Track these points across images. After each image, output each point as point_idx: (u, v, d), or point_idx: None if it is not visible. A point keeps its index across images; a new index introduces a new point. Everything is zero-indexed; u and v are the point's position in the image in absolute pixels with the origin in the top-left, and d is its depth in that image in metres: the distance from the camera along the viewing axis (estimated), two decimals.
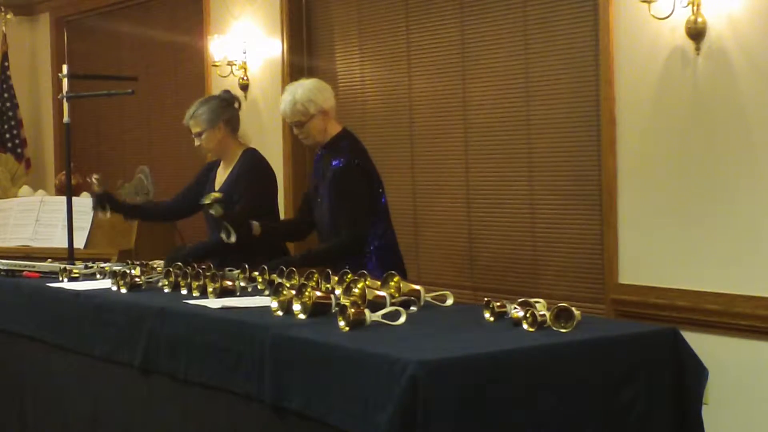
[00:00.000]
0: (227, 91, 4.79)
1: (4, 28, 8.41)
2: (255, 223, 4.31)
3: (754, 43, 3.87)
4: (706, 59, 4.00)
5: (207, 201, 4.26)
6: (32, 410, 4.38)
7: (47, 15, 8.64)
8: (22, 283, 4.47)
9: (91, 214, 6.02)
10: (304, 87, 4.27)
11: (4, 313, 4.49)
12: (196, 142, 4.65)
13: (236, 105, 4.72)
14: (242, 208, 4.43)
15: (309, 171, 6.27)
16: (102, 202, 4.66)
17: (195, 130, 4.62)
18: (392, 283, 3.33)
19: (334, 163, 4.20)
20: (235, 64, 6.41)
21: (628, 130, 4.34)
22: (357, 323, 2.95)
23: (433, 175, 5.41)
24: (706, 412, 3.00)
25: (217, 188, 4.66)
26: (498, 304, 3.13)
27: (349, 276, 3.36)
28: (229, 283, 3.73)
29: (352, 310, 2.97)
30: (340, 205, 4.18)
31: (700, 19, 3.96)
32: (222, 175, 4.70)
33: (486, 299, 3.19)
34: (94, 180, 4.65)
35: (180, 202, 4.89)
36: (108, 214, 4.74)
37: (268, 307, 3.30)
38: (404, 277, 4.22)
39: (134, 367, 3.64)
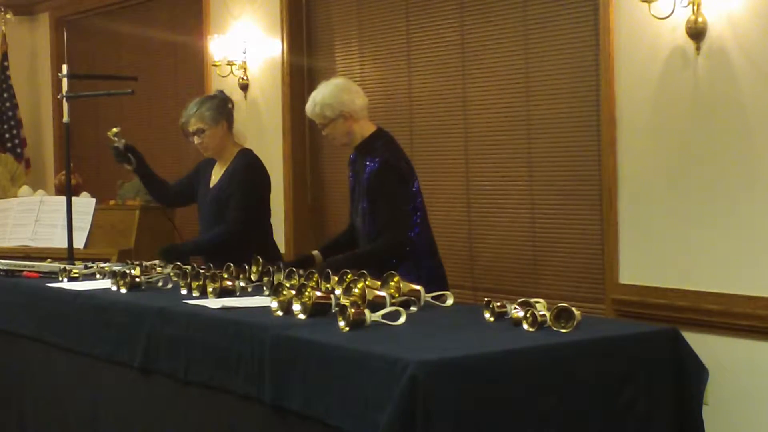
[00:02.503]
0: (221, 91, 4.81)
1: (4, 28, 8.42)
2: (315, 253, 4.27)
3: (754, 43, 3.87)
4: (706, 59, 4.00)
5: None
6: (32, 410, 4.38)
7: (47, 15, 8.65)
8: (22, 283, 4.47)
9: (92, 214, 6.04)
10: (326, 89, 4.16)
11: (4, 313, 4.48)
12: (197, 140, 4.62)
13: (230, 105, 4.73)
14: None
15: (312, 172, 6.29)
16: (123, 154, 4.68)
17: (197, 126, 4.59)
18: (392, 283, 3.32)
19: (368, 164, 4.09)
20: (235, 64, 6.41)
21: (628, 130, 4.33)
22: (357, 323, 2.95)
23: (433, 175, 5.41)
24: (706, 412, 3.00)
25: (210, 187, 4.68)
26: (498, 304, 3.13)
27: (349, 276, 3.36)
28: (229, 283, 3.73)
29: (352, 310, 2.97)
30: (378, 207, 4.07)
31: (700, 19, 3.96)
32: (217, 174, 4.70)
33: (486, 299, 3.19)
34: (113, 134, 4.64)
35: (177, 193, 4.91)
36: (133, 167, 4.74)
37: (268, 307, 3.31)
38: (443, 282, 4.16)
39: (134, 367, 3.63)
